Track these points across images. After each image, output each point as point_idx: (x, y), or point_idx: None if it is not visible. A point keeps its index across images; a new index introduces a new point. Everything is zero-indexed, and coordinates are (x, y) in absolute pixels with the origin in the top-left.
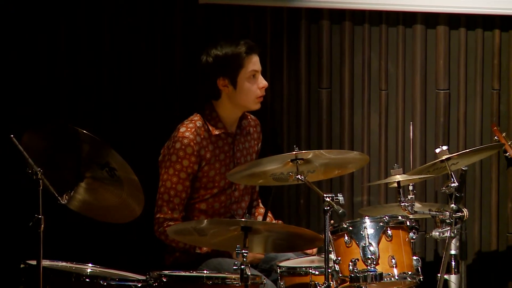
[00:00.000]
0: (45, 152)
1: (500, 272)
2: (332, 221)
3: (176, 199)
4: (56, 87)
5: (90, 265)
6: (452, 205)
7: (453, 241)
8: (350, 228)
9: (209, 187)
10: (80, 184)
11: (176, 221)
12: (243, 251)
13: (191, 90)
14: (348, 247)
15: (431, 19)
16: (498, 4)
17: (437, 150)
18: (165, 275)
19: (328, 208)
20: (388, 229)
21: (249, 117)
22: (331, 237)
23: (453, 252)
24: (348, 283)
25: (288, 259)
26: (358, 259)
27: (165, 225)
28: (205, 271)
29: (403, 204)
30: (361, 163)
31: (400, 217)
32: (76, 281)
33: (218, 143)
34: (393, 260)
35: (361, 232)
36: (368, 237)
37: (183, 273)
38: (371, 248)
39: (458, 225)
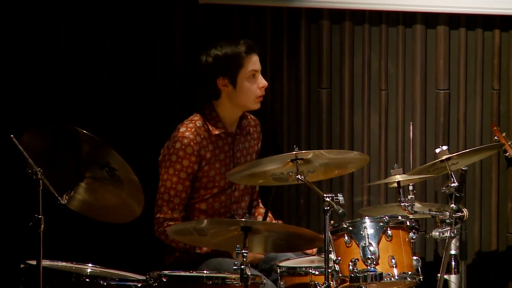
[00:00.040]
0: (45, 152)
1: (500, 272)
2: (332, 221)
3: (176, 199)
4: (56, 87)
5: (90, 265)
6: (452, 205)
7: (453, 241)
8: (350, 228)
9: (209, 187)
10: (80, 184)
11: (176, 221)
12: (243, 251)
13: (191, 90)
14: (348, 247)
15: (431, 19)
16: (498, 4)
17: (437, 150)
18: (165, 275)
19: (328, 208)
20: (388, 229)
21: (249, 117)
22: (331, 237)
23: (453, 252)
24: (348, 283)
25: (288, 259)
26: (358, 259)
27: (165, 225)
28: (205, 271)
29: (403, 204)
30: (361, 163)
31: (400, 217)
32: (76, 281)
33: (218, 143)
34: (393, 260)
35: (361, 232)
36: (368, 237)
37: (183, 273)
38: (371, 248)
39: (458, 225)
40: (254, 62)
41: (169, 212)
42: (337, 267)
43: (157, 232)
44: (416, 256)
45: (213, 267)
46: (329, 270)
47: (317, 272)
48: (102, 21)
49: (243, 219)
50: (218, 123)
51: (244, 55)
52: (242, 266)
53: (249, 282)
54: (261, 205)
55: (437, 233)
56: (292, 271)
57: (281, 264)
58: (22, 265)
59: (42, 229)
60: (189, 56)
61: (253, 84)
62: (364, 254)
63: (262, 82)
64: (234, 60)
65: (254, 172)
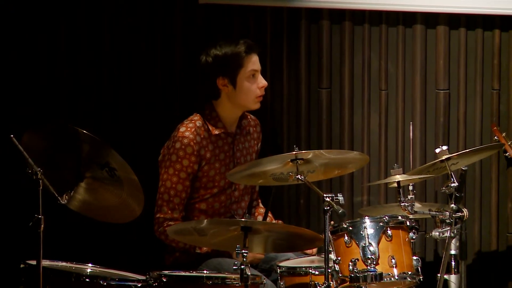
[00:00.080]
0: (45, 152)
1: (500, 272)
2: (332, 221)
3: (176, 199)
4: (56, 87)
5: (90, 265)
6: (452, 205)
7: (453, 241)
8: (350, 228)
9: (209, 186)
10: (80, 184)
11: (176, 221)
12: (243, 251)
13: (191, 90)
14: (348, 247)
15: (431, 19)
16: (498, 4)
17: (437, 150)
18: (165, 275)
19: (328, 208)
20: (388, 229)
21: (249, 117)
22: (331, 237)
23: (453, 252)
24: (348, 283)
25: (288, 259)
26: (358, 259)
27: (165, 225)
28: (205, 271)
29: (403, 204)
30: (361, 163)
31: (400, 217)
32: (76, 281)
33: (218, 143)
34: (393, 260)
35: (361, 232)
36: (368, 237)
37: (183, 273)
38: (371, 248)
39: (458, 225)
40: (254, 62)
41: (169, 212)
42: (337, 267)
43: (157, 232)
44: (416, 256)
45: (213, 267)
46: (329, 270)
47: (317, 272)
48: (102, 21)
49: (243, 219)
50: (218, 123)
51: (244, 55)
52: (242, 266)
53: (249, 282)
54: (261, 205)
55: (437, 233)
56: (292, 271)
57: (281, 264)
58: (22, 265)
59: (42, 229)
60: (189, 56)
61: (253, 84)
62: (364, 254)
63: (262, 82)
64: (234, 60)
65: (254, 172)
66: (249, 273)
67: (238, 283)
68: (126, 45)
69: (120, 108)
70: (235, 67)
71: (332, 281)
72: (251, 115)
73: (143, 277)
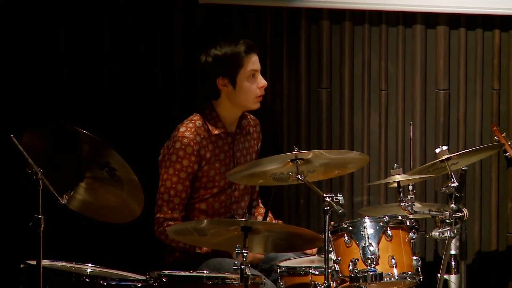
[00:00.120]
0: (45, 152)
1: (500, 272)
2: (332, 221)
3: (176, 199)
4: (56, 87)
5: (90, 265)
6: (452, 205)
7: (453, 241)
8: (350, 228)
9: (209, 186)
10: (80, 184)
11: (176, 221)
12: (243, 251)
13: (191, 90)
14: (348, 247)
15: (431, 19)
16: (498, 4)
17: (437, 150)
18: (165, 275)
19: (328, 208)
20: (388, 229)
21: (248, 116)
22: (331, 237)
23: (453, 252)
24: (348, 283)
25: (288, 259)
26: (358, 259)
27: (165, 225)
28: (205, 271)
29: (403, 204)
30: (361, 163)
31: (400, 217)
32: (76, 281)
33: (218, 143)
34: (393, 260)
35: (361, 232)
36: (368, 237)
37: (183, 273)
38: (371, 248)
39: (458, 225)
40: (253, 62)
41: (169, 212)
42: (337, 267)
43: (157, 232)
44: (416, 256)
45: (213, 267)
46: (329, 270)
47: (317, 272)
48: (102, 21)
49: (243, 219)
50: (218, 123)
51: (243, 55)
52: (242, 266)
53: (249, 282)
54: (261, 205)
55: (437, 233)
56: (292, 271)
57: (281, 264)
58: (22, 265)
59: (42, 229)
60: (189, 56)
61: (253, 84)
62: (364, 254)
63: (262, 82)
64: (234, 60)
65: (254, 172)
66: (249, 273)
67: (238, 283)
68: (126, 45)
69: (120, 108)
70: (235, 67)
71: (332, 281)
72: (251, 115)
73: (143, 277)
